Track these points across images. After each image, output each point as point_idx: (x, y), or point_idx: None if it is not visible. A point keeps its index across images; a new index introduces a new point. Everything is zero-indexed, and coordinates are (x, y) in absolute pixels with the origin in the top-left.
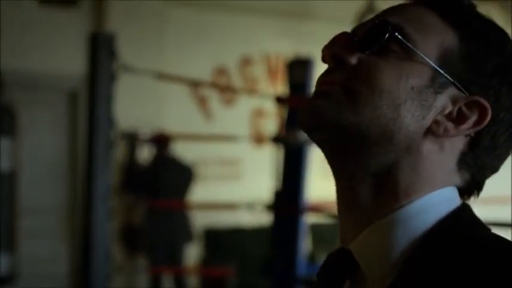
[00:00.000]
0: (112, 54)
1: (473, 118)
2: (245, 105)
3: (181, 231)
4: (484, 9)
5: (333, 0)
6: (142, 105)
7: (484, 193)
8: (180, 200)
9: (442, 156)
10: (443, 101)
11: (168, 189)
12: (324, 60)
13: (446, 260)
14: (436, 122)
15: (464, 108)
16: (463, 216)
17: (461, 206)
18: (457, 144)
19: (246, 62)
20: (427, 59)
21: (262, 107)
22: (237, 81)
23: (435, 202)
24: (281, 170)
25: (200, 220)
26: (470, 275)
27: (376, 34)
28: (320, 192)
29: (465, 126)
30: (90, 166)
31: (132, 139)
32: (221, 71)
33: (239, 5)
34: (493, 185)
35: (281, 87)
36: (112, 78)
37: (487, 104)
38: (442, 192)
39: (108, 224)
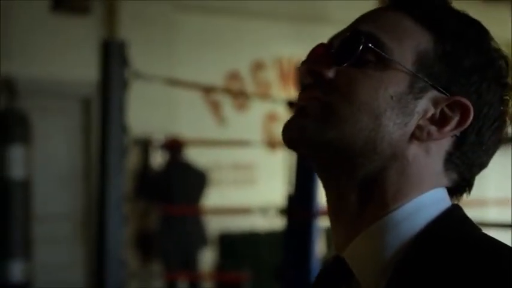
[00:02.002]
0: (124, 61)
1: (456, 118)
2: (258, 109)
3: (196, 236)
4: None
5: (346, 4)
6: (155, 111)
7: (484, 195)
8: (194, 205)
9: (429, 159)
10: (424, 105)
11: (182, 195)
12: (301, 76)
13: (437, 262)
14: (419, 127)
15: (446, 110)
16: (452, 217)
17: (451, 207)
18: (443, 145)
19: (258, 67)
20: (403, 66)
21: (274, 111)
22: (249, 86)
23: (424, 205)
24: (294, 174)
25: (214, 225)
26: (460, 276)
27: (350, 46)
28: None
29: (448, 128)
30: (104, 172)
31: (145, 145)
32: (233, 76)
33: (251, 10)
34: (493, 187)
35: (294, 92)
36: (124, 84)
37: (468, 103)
38: (430, 194)
39: (122, 230)
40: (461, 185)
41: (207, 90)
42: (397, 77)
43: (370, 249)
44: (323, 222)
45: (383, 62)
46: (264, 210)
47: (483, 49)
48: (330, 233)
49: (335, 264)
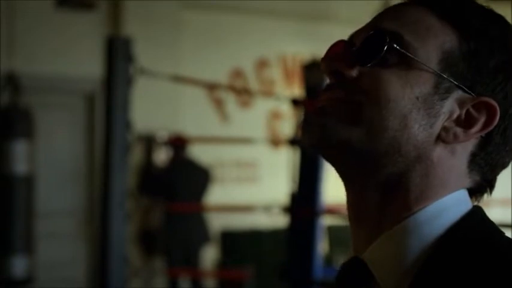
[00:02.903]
0: (129, 57)
1: (482, 119)
2: (261, 107)
3: (198, 233)
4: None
5: (350, 2)
6: (159, 108)
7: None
8: (196, 202)
9: (454, 161)
10: (450, 106)
11: (185, 192)
12: (323, 72)
13: (459, 265)
14: (444, 129)
15: (472, 110)
16: (475, 220)
17: (473, 209)
18: (468, 146)
19: (262, 64)
20: (428, 66)
21: (278, 109)
22: (253, 83)
23: (446, 206)
24: (298, 172)
25: (217, 222)
26: (482, 280)
27: (374, 45)
28: (337, 194)
29: (475, 129)
30: (107, 169)
31: (149, 142)
32: (237, 73)
33: (255, 8)
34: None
35: (297, 89)
36: (129, 81)
37: (494, 103)
38: (453, 196)
39: (125, 227)
40: (482, 186)
41: (211, 87)
42: (422, 77)
43: (392, 251)
44: (326, 221)
45: (408, 62)
46: (267, 208)
47: (508, 47)
48: (332, 231)
49: (353, 266)
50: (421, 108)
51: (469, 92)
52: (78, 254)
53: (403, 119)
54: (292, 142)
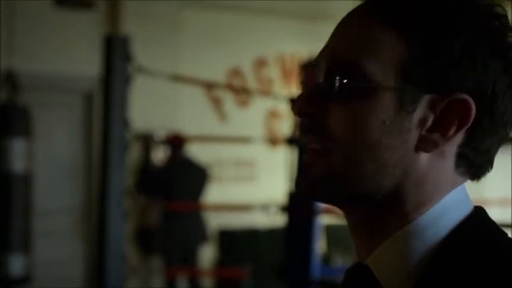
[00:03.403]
0: (127, 56)
1: (458, 116)
2: (259, 106)
3: (196, 232)
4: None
5: (348, 2)
6: (157, 107)
7: (485, 195)
8: (194, 201)
9: (444, 162)
10: (420, 114)
11: (183, 191)
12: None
13: (463, 267)
14: (422, 139)
15: (444, 110)
16: (477, 221)
17: (475, 209)
18: (455, 142)
19: (260, 64)
20: (388, 85)
21: (276, 108)
22: (251, 82)
23: (447, 208)
24: (295, 171)
25: (214, 221)
26: (487, 281)
27: (331, 81)
28: None
29: (452, 130)
30: (105, 167)
31: (146, 140)
32: (235, 73)
33: (254, 7)
34: (494, 187)
35: (296, 89)
36: (127, 80)
37: (465, 97)
38: (451, 196)
39: (122, 226)
40: (480, 170)
41: (209, 86)
42: (384, 98)
43: (395, 255)
44: (324, 220)
45: (367, 89)
46: (264, 207)
47: (464, 27)
48: (330, 231)
49: (358, 271)
50: (390, 131)
51: (436, 92)
52: (75, 252)
53: (376, 150)
54: (290, 141)
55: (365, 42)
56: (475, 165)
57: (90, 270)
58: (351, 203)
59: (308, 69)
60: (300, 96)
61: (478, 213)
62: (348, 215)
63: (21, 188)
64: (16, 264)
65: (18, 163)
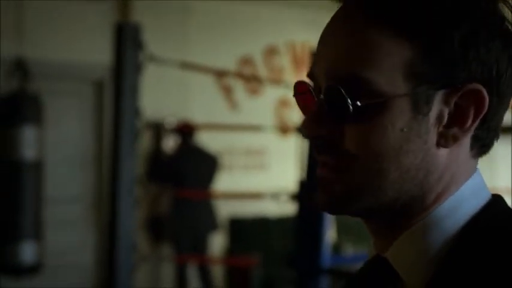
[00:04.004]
0: (138, 44)
1: (473, 107)
2: (270, 95)
3: (206, 220)
4: None
5: None
6: (167, 95)
7: (493, 185)
8: (205, 189)
9: (461, 150)
10: (435, 113)
11: (193, 179)
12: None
13: (482, 256)
14: (441, 136)
15: (459, 102)
16: (496, 209)
17: (493, 198)
18: (471, 129)
19: (271, 52)
20: (399, 94)
21: (287, 96)
22: (262, 71)
23: (465, 197)
24: (306, 159)
25: (225, 210)
26: (507, 270)
27: (337, 101)
28: None
29: (469, 121)
30: (116, 156)
31: (157, 129)
32: (246, 61)
33: None
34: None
35: (306, 77)
36: (138, 68)
37: (476, 86)
38: (468, 184)
39: (133, 214)
40: (492, 143)
41: (220, 74)
42: (398, 107)
43: (414, 248)
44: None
45: (378, 103)
46: (275, 196)
47: (463, 15)
48: (340, 219)
49: (377, 264)
50: (409, 137)
51: (448, 87)
52: (86, 240)
53: (398, 159)
54: (301, 130)
55: (363, 50)
56: (487, 144)
57: (100, 258)
58: (374, 214)
59: (302, 85)
60: (308, 118)
61: (497, 201)
62: (368, 222)
63: (32, 176)
64: (27, 252)
65: (29, 151)
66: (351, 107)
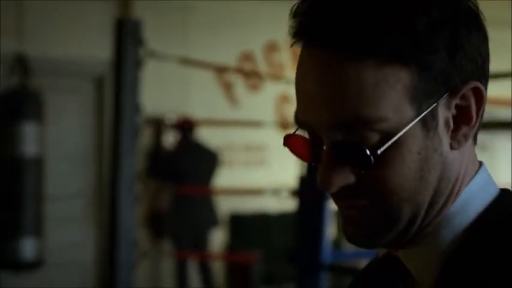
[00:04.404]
0: (138, 40)
1: (474, 101)
2: (271, 90)
3: (207, 216)
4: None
5: None
6: (168, 91)
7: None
8: (205, 185)
9: (468, 143)
10: (443, 121)
11: (193, 175)
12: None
13: (492, 252)
14: (453, 139)
15: (460, 103)
16: (505, 202)
17: (502, 192)
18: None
19: (271, 48)
20: (409, 123)
21: (287, 92)
22: (262, 66)
23: (473, 193)
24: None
25: (225, 206)
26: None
27: (350, 151)
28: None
29: (474, 116)
30: (116, 152)
31: (157, 125)
32: (247, 57)
33: None
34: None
35: None
36: (138, 64)
37: (472, 84)
38: (476, 180)
39: (133, 210)
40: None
41: (220, 70)
42: (411, 134)
43: (425, 246)
44: (335, 205)
45: (390, 137)
46: (275, 192)
47: (442, 25)
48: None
49: (389, 262)
50: (427, 155)
51: (448, 94)
52: (87, 237)
53: (422, 180)
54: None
55: (365, 91)
56: (478, 127)
57: (101, 254)
58: (405, 233)
59: (292, 138)
60: (324, 174)
61: (505, 195)
62: None
63: (32, 172)
64: (28, 248)
65: (29, 147)
66: (372, 159)
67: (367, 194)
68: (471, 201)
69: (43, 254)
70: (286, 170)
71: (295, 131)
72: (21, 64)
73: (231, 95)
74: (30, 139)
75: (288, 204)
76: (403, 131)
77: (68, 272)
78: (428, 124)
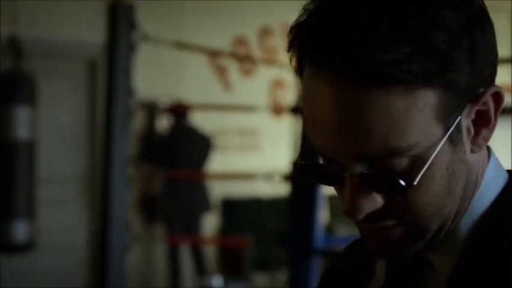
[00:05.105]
0: (131, 23)
1: (492, 103)
2: (264, 75)
3: (199, 201)
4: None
5: None
6: (161, 75)
7: None
8: (198, 170)
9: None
10: (465, 131)
11: (186, 159)
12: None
13: (503, 238)
14: (474, 144)
15: (481, 108)
16: None
17: (510, 175)
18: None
19: (265, 32)
20: (437, 140)
21: (281, 77)
22: (256, 51)
23: (488, 182)
24: (299, 140)
25: (218, 190)
26: None
27: (384, 181)
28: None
29: (493, 117)
30: (109, 135)
31: (150, 109)
32: (240, 41)
33: None
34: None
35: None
36: (131, 47)
37: (493, 89)
38: (490, 169)
39: (126, 194)
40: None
41: (214, 54)
42: (439, 153)
43: (445, 238)
44: (327, 189)
45: (423, 164)
46: (268, 176)
47: (462, 34)
48: (333, 200)
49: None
50: (454, 170)
51: (469, 104)
52: (79, 220)
53: (450, 194)
54: (294, 110)
55: (395, 120)
56: None
57: (93, 237)
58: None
59: (304, 167)
60: (352, 203)
61: None
62: None
63: (25, 155)
64: (20, 231)
65: (22, 130)
66: (408, 189)
67: (395, 215)
68: (487, 191)
69: (35, 237)
70: (279, 154)
71: (303, 159)
72: (14, 47)
73: (225, 79)
74: (23, 122)
75: (281, 189)
76: (435, 153)
77: (60, 255)
78: (454, 138)
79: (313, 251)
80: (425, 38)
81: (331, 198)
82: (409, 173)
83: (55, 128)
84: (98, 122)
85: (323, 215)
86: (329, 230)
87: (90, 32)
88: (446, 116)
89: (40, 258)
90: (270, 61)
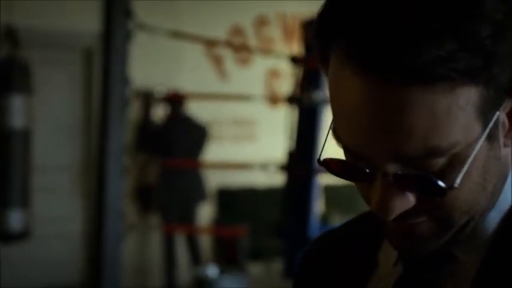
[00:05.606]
0: (127, 12)
1: None
2: (260, 65)
3: (195, 190)
4: None
5: None
6: (157, 64)
7: None
8: (193, 159)
9: None
10: (500, 125)
11: (182, 149)
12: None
13: None
14: (506, 137)
15: None
16: None
17: None
18: None
19: (262, 22)
20: (477, 137)
21: (277, 67)
22: (252, 41)
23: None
24: (295, 130)
25: (213, 180)
26: None
27: (424, 184)
28: (334, 152)
29: None
30: (105, 124)
31: (146, 98)
32: (237, 31)
33: None
34: None
35: (297, 48)
36: (127, 36)
37: None
38: None
39: (121, 183)
40: None
41: (210, 44)
42: (478, 151)
43: (472, 234)
44: (323, 180)
45: (461, 161)
46: (264, 166)
47: (501, 32)
48: (329, 190)
49: (370, 220)
50: (489, 166)
51: (508, 100)
52: (74, 209)
53: (484, 191)
54: (291, 100)
55: (438, 120)
56: None
57: (88, 226)
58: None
59: (335, 163)
60: (382, 201)
61: None
62: None
63: (20, 144)
64: (15, 220)
65: (17, 119)
66: (447, 190)
67: (428, 213)
68: None
69: (30, 225)
70: (275, 144)
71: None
72: (9, 36)
73: (221, 69)
74: (18, 111)
75: (277, 179)
76: (474, 152)
77: (55, 244)
78: (492, 134)
79: (308, 241)
80: (471, 33)
81: (326, 188)
82: (448, 173)
83: (50, 116)
84: (94, 111)
85: (318, 205)
86: (324, 219)
87: (86, 20)
88: (485, 112)
89: (35, 246)
90: (267, 51)
